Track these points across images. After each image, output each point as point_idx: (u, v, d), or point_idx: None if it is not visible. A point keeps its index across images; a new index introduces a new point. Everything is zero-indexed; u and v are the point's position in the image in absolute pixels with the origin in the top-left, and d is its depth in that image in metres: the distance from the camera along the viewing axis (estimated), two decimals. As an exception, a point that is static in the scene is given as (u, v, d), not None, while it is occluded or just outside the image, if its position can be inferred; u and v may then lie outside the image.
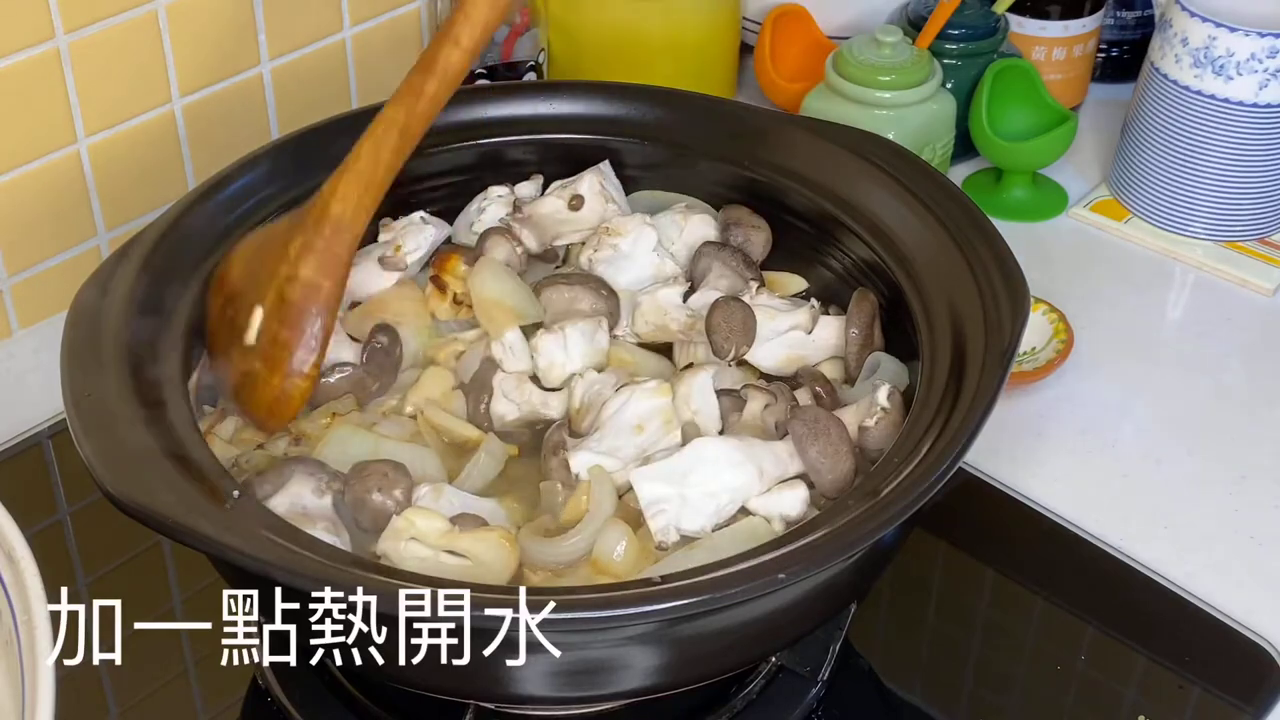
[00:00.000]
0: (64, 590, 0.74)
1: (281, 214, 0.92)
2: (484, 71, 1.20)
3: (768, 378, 0.90)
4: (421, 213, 0.97)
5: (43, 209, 1.07)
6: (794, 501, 0.79)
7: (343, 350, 0.88)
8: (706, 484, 0.79)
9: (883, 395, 0.82)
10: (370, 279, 0.94)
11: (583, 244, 0.97)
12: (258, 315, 0.83)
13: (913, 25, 1.23)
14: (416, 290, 0.94)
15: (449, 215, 1.00)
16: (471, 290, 0.91)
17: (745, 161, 0.97)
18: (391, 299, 0.93)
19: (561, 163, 1.01)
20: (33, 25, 1.01)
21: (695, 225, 0.97)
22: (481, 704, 0.79)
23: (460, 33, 0.83)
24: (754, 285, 0.92)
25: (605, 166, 0.99)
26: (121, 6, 1.05)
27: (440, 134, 0.98)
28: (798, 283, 0.96)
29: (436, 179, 0.99)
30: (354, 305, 0.93)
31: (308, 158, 0.94)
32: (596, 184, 0.97)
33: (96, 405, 0.75)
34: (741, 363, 0.90)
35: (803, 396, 0.86)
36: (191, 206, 0.89)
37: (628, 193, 1.00)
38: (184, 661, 0.89)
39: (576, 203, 0.96)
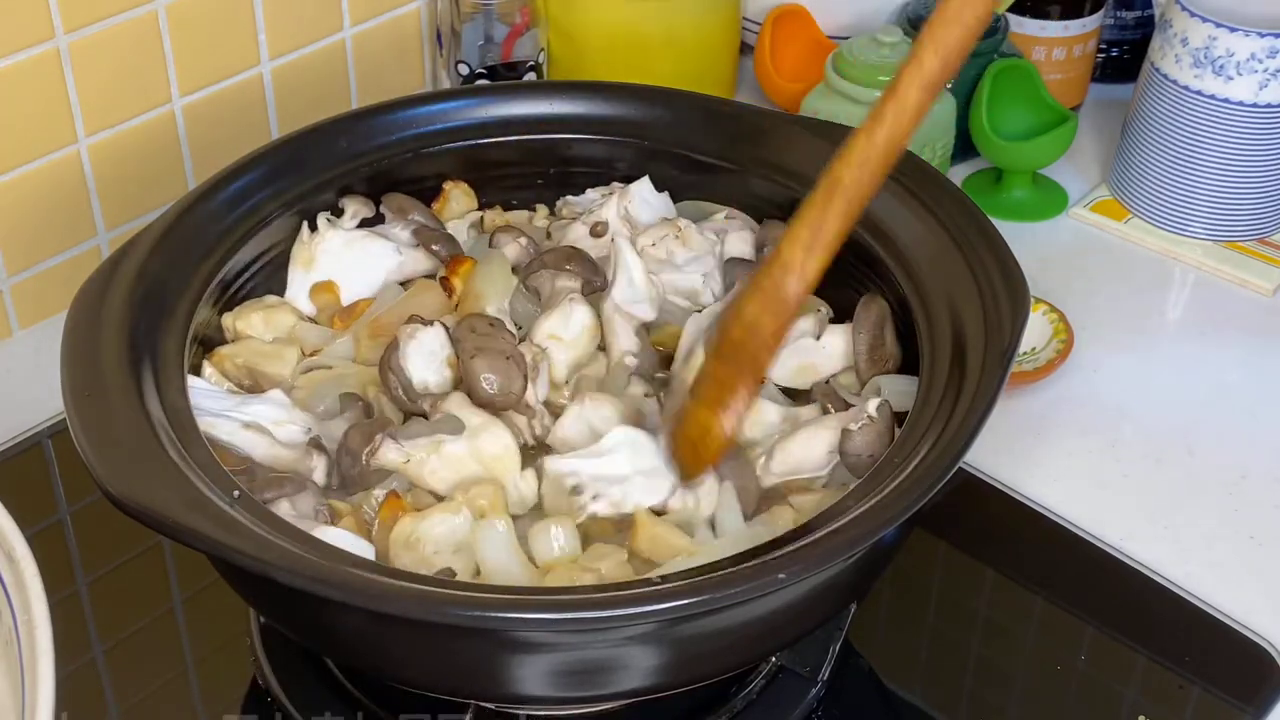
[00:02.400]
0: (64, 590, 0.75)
1: (281, 214, 0.92)
2: (484, 71, 1.20)
3: (786, 392, 0.90)
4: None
5: (43, 209, 1.07)
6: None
7: (413, 261, 0.94)
8: (623, 465, 0.81)
9: (872, 406, 0.82)
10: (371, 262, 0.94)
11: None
12: (699, 354, 0.82)
13: (913, 25, 1.23)
14: (437, 293, 0.93)
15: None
16: (469, 282, 0.91)
17: (746, 162, 0.97)
18: (411, 306, 0.91)
19: (561, 163, 1.01)
20: (33, 25, 1.01)
21: (733, 241, 0.96)
22: (481, 704, 0.79)
23: (924, 54, 0.71)
24: None
25: (640, 186, 0.97)
26: (121, 6, 1.05)
27: (440, 135, 0.98)
28: (814, 303, 0.95)
29: (436, 179, 0.99)
30: (352, 307, 0.93)
31: (308, 158, 0.94)
32: (622, 209, 0.96)
33: (96, 405, 0.75)
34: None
35: (811, 412, 0.86)
36: (191, 206, 0.89)
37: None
38: (184, 661, 0.89)
39: (600, 229, 0.96)
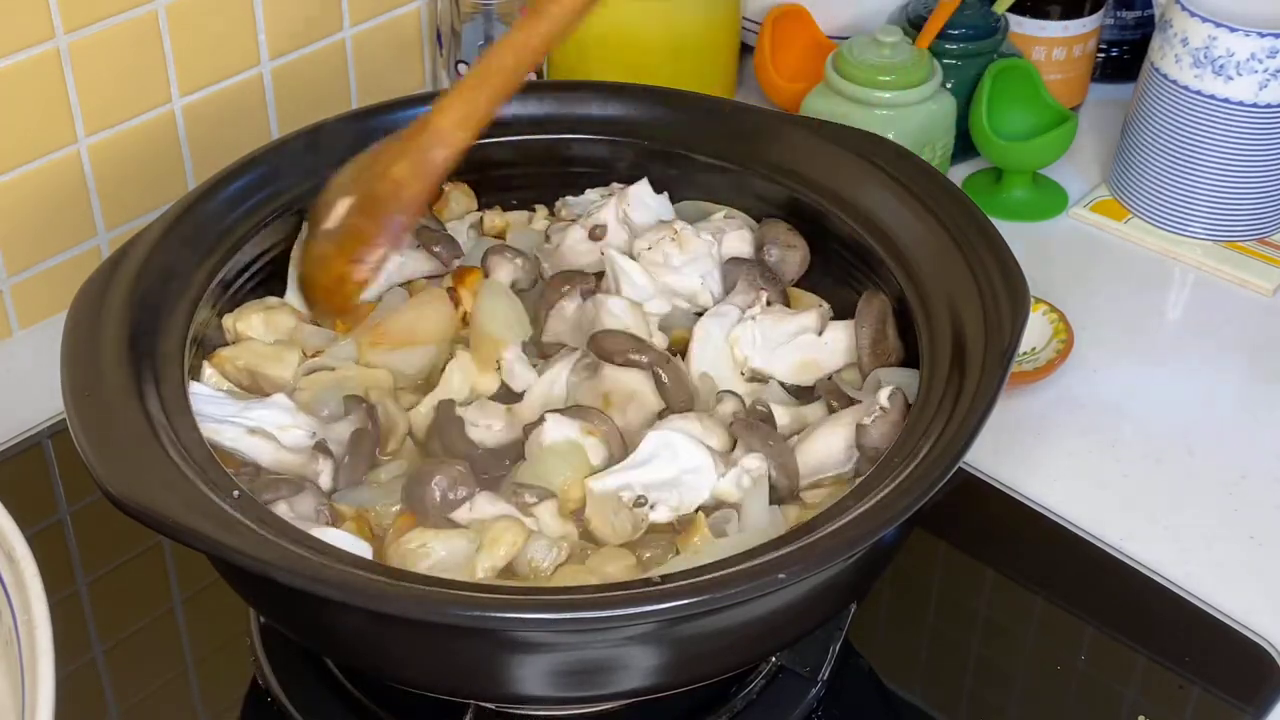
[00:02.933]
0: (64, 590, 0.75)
1: (281, 214, 0.92)
2: (484, 71, 1.20)
3: (791, 391, 0.90)
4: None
5: (43, 209, 1.07)
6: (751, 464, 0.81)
7: (414, 262, 0.91)
8: (667, 468, 0.81)
9: (884, 395, 0.82)
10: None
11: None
12: (342, 204, 0.86)
13: (913, 25, 1.23)
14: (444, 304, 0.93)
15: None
16: (472, 315, 0.91)
17: (746, 162, 0.97)
18: (417, 315, 0.91)
19: (561, 163, 1.01)
20: (33, 25, 1.01)
21: (731, 240, 0.96)
22: (481, 704, 0.79)
23: None
24: (764, 296, 0.92)
25: (639, 188, 0.97)
26: (121, 6, 1.05)
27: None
28: (811, 300, 0.96)
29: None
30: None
31: (308, 158, 0.94)
32: (621, 212, 0.96)
33: (96, 405, 0.75)
34: (758, 374, 0.90)
35: (818, 410, 0.86)
36: (191, 206, 0.89)
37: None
38: (184, 661, 0.89)
39: (599, 232, 0.96)
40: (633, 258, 0.93)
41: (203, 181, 0.91)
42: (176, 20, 1.08)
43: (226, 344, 0.89)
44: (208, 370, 0.87)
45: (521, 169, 1.01)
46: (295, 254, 0.91)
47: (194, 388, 0.83)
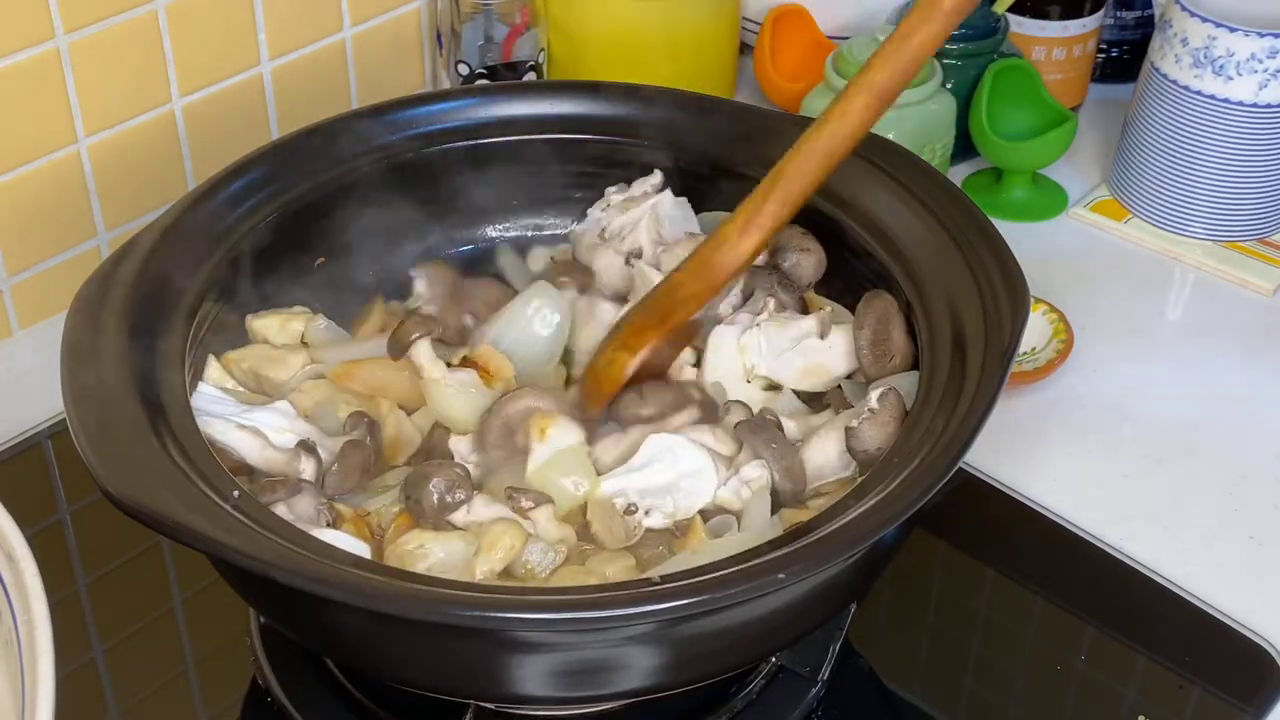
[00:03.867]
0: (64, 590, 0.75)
1: (281, 214, 0.92)
2: (484, 71, 1.20)
3: (803, 399, 0.90)
4: None
5: (43, 209, 1.07)
6: (751, 471, 0.81)
7: None
8: (665, 473, 0.81)
9: (874, 397, 0.82)
10: None
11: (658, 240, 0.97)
12: (629, 306, 0.90)
13: (913, 25, 1.23)
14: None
15: (446, 216, 1.00)
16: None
17: (745, 162, 0.97)
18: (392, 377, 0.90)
19: (561, 163, 1.00)
20: (33, 25, 1.01)
21: None
22: (481, 704, 0.79)
23: (874, 68, 0.79)
24: (770, 302, 0.92)
25: (665, 204, 0.97)
26: (121, 6, 1.05)
27: (440, 135, 0.98)
28: (821, 303, 0.95)
29: (436, 179, 0.99)
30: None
31: (308, 158, 0.94)
32: (655, 233, 0.96)
33: (96, 405, 0.75)
34: (767, 382, 0.90)
35: (827, 418, 0.87)
36: (191, 206, 0.89)
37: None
38: (184, 661, 0.89)
39: (635, 258, 0.96)
40: (664, 251, 0.94)
41: (203, 181, 0.91)
42: (176, 20, 1.08)
43: (233, 344, 0.90)
44: (214, 368, 0.87)
45: (521, 169, 1.01)
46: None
47: (201, 388, 0.84)
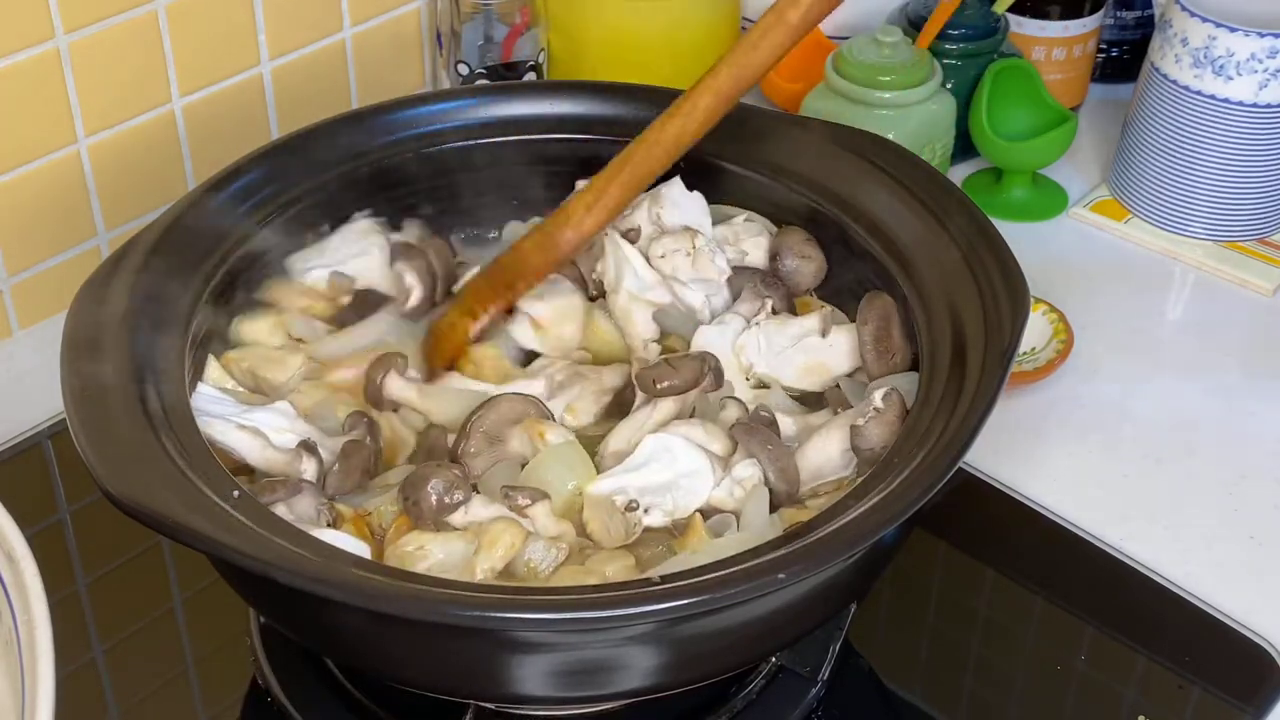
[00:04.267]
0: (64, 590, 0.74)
1: (281, 214, 0.92)
2: (484, 71, 1.20)
3: (800, 399, 0.90)
4: None
5: (43, 209, 1.07)
6: (744, 471, 0.81)
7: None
8: (664, 471, 0.81)
9: (878, 396, 0.82)
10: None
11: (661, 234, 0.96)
12: (472, 271, 0.94)
13: (913, 25, 1.23)
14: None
15: (447, 216, 1.00)
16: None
17: (745, 162, 0.97)
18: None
19: (561, 163, 1.00)
20: (33, 25, 1.01)
21: (747, 247, 0.96)
22: (481, 704, 0.79)
23: (721, 69, 0.85)
24: (769, 304, 0.92)
25: (671, 188, 0.96)
26: (121, 6, 1.05)
27: (439, 135, 0.98)
28: (817, 307, 0.95)
29: (436, 180, 0.99)
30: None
31: (308, 158, 0.94)
32: (654, 214, 0.95)
33: (96, 405, 0.75)
34: (763, 382, 0.90)
35: (825, 418, 0.87)
36: (191, 206, 0.89)
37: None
38: (184, 661, 0.89)
39: (634, 235, 0.95)
40: (662, 255, 0.93)
41: (203, 181, 0.91)
42: (176, 20, 1.08)
43: (229, 345, 0.89)
44: (214, 368, 0.87)
45: (522, 169, 1.01)
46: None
47: (200, 388, 0.84)
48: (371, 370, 0.88)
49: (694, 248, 0.92)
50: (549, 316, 0.92)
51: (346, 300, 0.94)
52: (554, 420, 0.85)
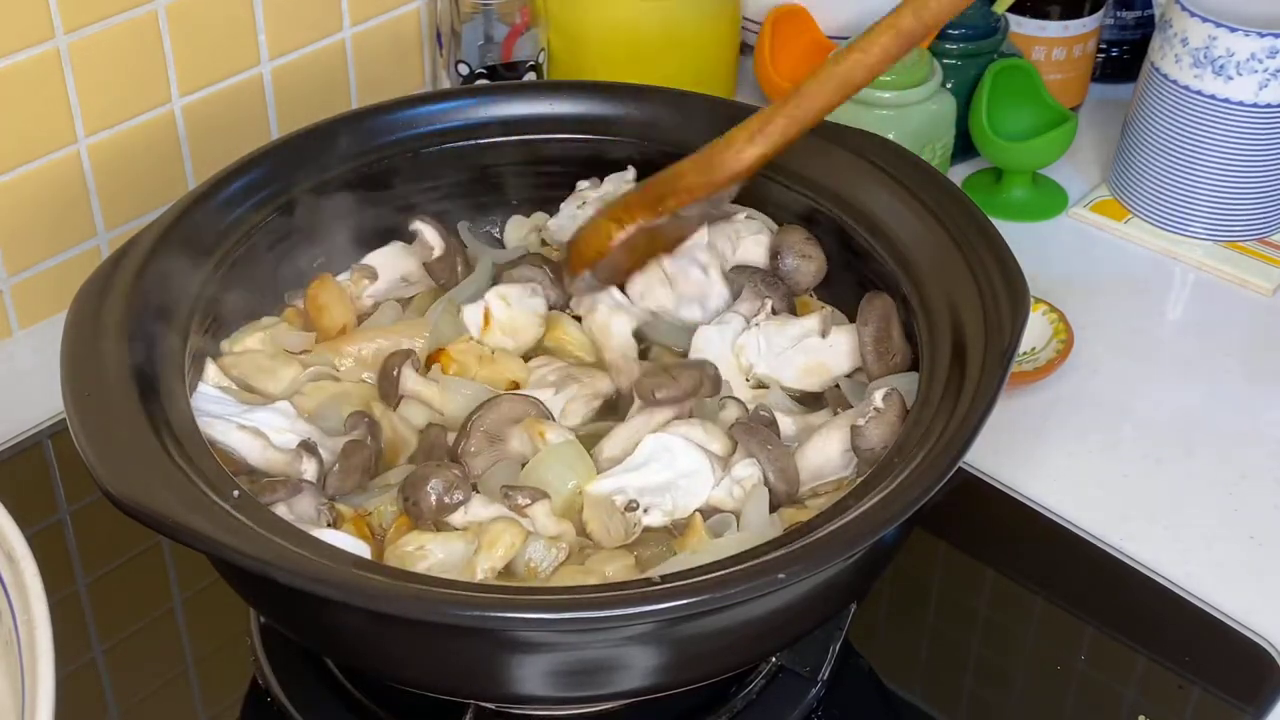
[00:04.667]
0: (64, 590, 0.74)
1: (281, 214, 0.92)
2: (484, 71, 1.20)
3: (800, 399, 0.90)
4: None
5: (43, 209, 1.07)
6: (743, 471, 0.81)
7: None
8: (663, 471, 0.81)
9: (878, 396, 0.82)
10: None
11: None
12: (630, 186, 0.93)
13: (913, 25, 1.23)
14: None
15: (447, 217, 1.00)
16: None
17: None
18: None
19: (561, 163, 1.00)
20: (33, 25, 1.01)
21: (748, 245, 0.96)
22: (481, 704, 0.79)
23: (904, 12, 0.82)
24: (769, 304, 0.92)
25: None
26: (121, 6, 1.05)
27: (440, 135, 0.98)
28: (818, 308, 0.95)
29: (437, 179, 0.99)
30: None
31: (308, 158, 0.94)
32: None
33: (96, 405, 0.75)
34: (763, 382, 0.90)
35: (824, 418, 0.87)
36: (191, 206, 0.89)
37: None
38: (184, 661, 0.89)
39: None
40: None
41: (203, 181, 0.91)
42: (176, 20, 1.08)
43: (223, 353, 0.90)
44: (211, 369, 0.87)
45: (521, 169, 1.01)
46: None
47: (201, 388, 0.84)
48: (388, 362, 0.87)
49: (666, 274, 0.93)
50: (503, 317, 0.91)
51: (369, 293, 0.95)
52: (554, 420, 0.85)
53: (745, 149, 0.85)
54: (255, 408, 0.84)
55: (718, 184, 0.87)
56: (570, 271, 0.91)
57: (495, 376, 0.89)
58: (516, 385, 0.89)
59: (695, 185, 0.87)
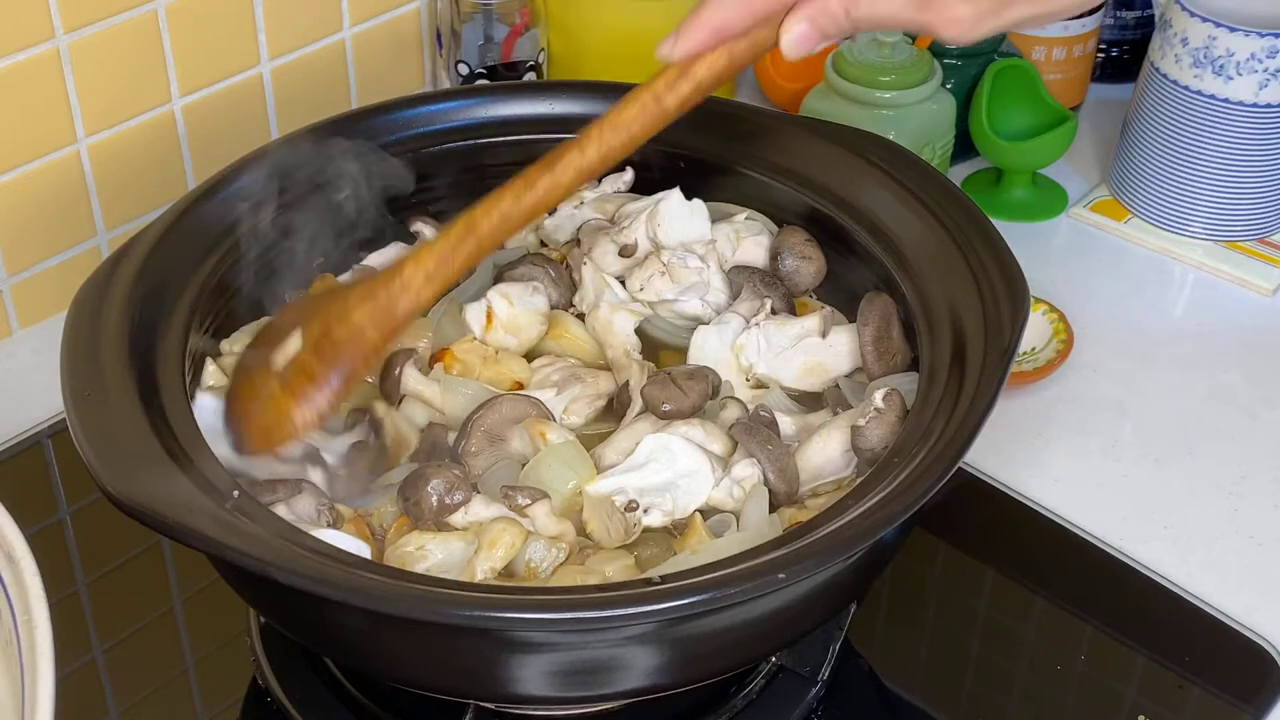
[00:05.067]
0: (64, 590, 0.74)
1: (281, 214, 0.92)
2: (484, 71, 1.20)
3: (799, 399, 0.90)
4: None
5: (43, 209, 1.07)
6: (743, 471, 0.81)
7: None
8: (663, 472, 0.81)
9: (879, 397, 0.82)
10: None
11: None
12: (295, 341, 0.80)
13: (913, 25, 1.23)
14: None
15: (447, 217, 0.99)
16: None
17: (745, 162, 0.97)
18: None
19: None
20: (33, 25, 1.01)
21: (748, 246, 0.96)
22: (481, 704, 0.79)
23: (589, 145, 0.77)
24: (768, 304, 0.92)
25: (669, 204, 0.96)
26: (121, 6, 1.05)
27: (440, 135, 0.98)
28: (817, 308, 0.96)
29: (437, 179, 0.99)
30: None
31: (308, 158, 0.94)
32: (650, 230, 0.96)
33: (96, 405, 0.75)
34: (762, 382, 0.90)
35: (824, 418, 0.87)
36: (191, 206, 0.89)
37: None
38: (184, 661, 0.89)
39: (628, 251, 0.95)
40: (646, 282, 0.93)
41: (203, 181, 0.91)
42: (176, 20, 1.08)
43: (221, 355, 0.89)
44: (210, 369, 0.87)
45: (521, 169, 1.01)
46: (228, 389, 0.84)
47: (200, 400, 0.83)
48: (390, 362, 0.87)
49: (664, 264, 0.93)
50: (505, 315, 0.91)
51: None
52: (555, 420, 0.85)
53: (424, 290, 0.78)
54: None
55: (399, 333, 0.80)
56: (250, 451, 0.79)
57: (499, 376, 0.89)
58: (520, 385, 0.89)
59: (378, 341, 0.79)
